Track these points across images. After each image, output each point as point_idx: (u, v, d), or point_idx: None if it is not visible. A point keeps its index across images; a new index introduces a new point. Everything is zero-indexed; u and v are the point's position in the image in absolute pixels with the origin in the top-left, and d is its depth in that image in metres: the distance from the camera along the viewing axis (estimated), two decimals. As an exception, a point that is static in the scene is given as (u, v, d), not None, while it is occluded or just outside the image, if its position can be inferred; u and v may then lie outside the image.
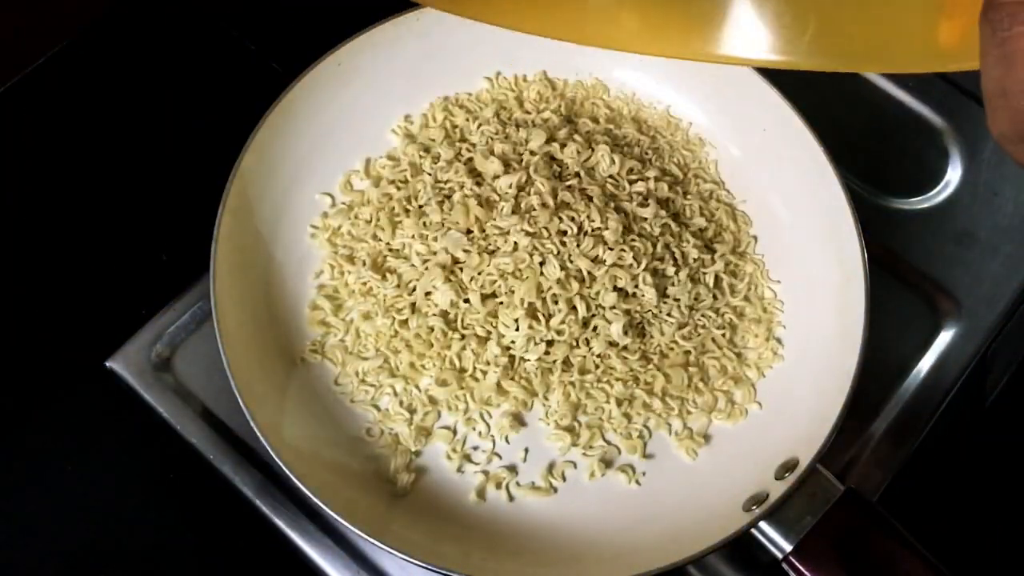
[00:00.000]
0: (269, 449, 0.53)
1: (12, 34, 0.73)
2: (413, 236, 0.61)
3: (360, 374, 0.60)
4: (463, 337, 0.59)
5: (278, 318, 0.61)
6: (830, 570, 0.53)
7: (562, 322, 0.58)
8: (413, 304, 0.60)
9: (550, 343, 0.59)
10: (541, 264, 0.59)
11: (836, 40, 0.43)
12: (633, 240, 0.60)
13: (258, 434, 0.53)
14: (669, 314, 0.61)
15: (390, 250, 0.62)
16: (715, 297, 0.63)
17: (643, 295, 0.60)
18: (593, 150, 0.63)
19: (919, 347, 0.67)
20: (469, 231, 0.60)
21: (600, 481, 0.59)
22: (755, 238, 0.66)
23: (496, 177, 0.62)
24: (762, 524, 0.53)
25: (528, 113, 0.68)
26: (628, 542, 0.57)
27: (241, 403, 0.54)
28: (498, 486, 0.58)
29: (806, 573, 0.53)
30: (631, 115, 0.69)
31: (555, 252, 0.59)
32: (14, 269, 0.67)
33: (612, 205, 0.61)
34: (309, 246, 0.64)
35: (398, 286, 0.61)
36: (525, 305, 0.58)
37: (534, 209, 0.60)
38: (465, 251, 0.59)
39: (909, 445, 0.63)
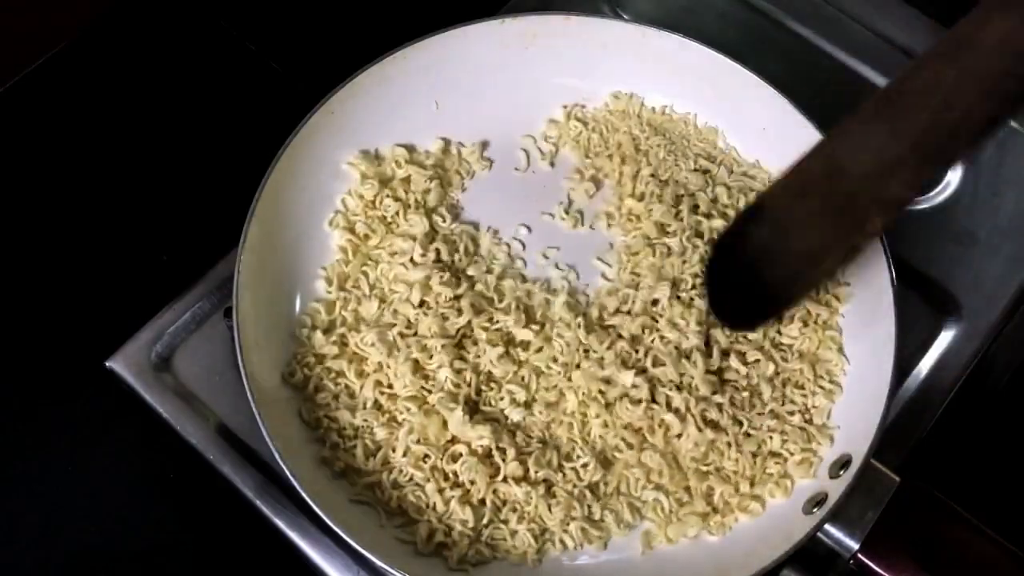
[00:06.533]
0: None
1: (12, 34, 0.73)
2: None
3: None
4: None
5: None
6: (901, 563, 0.53)
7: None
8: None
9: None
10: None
11: None
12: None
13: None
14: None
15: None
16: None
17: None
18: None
19: (919, 347, 0.66)
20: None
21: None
22: None
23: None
24: (825, 525, 0.53)
25: None
26: (694, 561, 0.57)
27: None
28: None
29: (877, 569, 0.53)
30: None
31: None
32: (14, 269, 0.67)
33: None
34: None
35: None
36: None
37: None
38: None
39: (910, 446, 0.63)
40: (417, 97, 0.67)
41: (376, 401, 0.59)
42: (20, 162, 0.71)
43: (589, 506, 0.57)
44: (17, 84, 0.73)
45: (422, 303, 0.61)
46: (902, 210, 0.52)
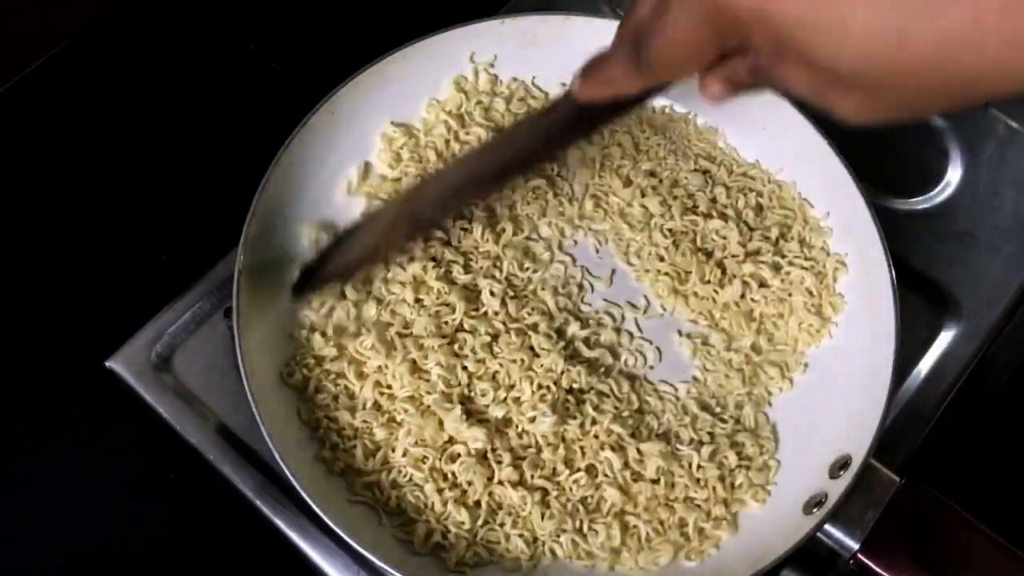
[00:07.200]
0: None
1: (12, 34, 0.73)
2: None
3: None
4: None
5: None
6: (901, 563, 0.53)
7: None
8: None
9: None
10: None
11: None
12: None
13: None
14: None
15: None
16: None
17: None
18: None
19: (919, 347, 0.67)
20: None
21: None
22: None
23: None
24: (825, 525, 0.53)
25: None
26: (693, 560, 0.57)
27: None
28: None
29: (877, 569, 0.53)
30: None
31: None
32: (14, 269, 0.67)
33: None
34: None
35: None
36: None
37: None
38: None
39: (910, 446, 0.63)
40: (417, 97, 0.67)
41: (376, 402, 0.59)
42: (20, 162, 0.71)
43: (581, 520, 0.57)
44: (17, 84, 0.73)
45: (417, 300, 0.61)
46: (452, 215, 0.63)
